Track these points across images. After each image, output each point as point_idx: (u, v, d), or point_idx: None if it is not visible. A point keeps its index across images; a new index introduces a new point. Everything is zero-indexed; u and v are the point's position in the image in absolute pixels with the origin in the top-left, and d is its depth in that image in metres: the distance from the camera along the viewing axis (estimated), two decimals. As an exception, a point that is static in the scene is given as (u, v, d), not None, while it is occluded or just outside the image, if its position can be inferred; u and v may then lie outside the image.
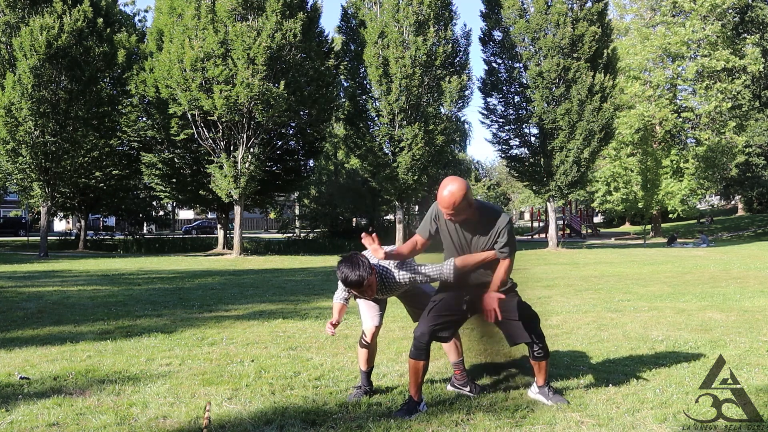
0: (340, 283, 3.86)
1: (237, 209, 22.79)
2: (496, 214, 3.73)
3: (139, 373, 4.52)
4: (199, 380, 4.33)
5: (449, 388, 4.13)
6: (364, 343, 4.05)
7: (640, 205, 34.98)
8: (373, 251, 3.69)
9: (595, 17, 24.57)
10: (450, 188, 3.50)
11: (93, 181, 26.64)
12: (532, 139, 27.05)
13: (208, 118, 21.34)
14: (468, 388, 4.06)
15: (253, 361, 4.95)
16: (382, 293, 3.89)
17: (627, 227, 53.07)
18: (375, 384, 4.23)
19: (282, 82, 20.42)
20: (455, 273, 3.72)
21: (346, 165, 36.39)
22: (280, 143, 26.14)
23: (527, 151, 27.25)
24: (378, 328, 4.06)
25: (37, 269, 15.35)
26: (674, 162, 36.85)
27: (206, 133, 22.10)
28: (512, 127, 27.14)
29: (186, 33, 20.74)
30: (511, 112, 26.97)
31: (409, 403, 3.65)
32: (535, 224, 49.63)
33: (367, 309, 4.07)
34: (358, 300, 4.07)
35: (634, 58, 36.69)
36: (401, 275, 3.79)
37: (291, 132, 26.34)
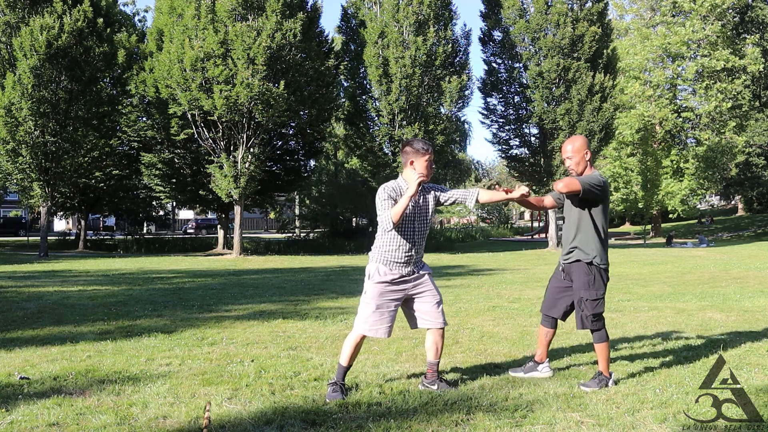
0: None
1: (237, 209, 22.79)
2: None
3: (139, 373, 4.52)
4: (199, 380, 4.33)
5: (420, 387, 4.15)
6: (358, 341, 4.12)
7: (640, 205, 34.99)
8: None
9: (595, 17, 24.58)
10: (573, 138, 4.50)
11: (93, 181, 26.64)
12: (532, 139, 27.06)
13: (208, 118, 21.34)
14: (435, 386, 4.11)
15: (253, 361, 4.95)
16: (419, 200, 4.16)
17: (627, 227, 53.04)
18: (376, 384, 4.23)
19: (282, 82, 20.41)
20: (476, 199, 4.23)
21: (346, 165, 36.39)
22: (280, 143, 26.14)
23: (527, 151, 27.27)
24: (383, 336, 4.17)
25: (37, 269, 15.34)
26: (674, 162, 36.85)
27: (206, 133, 22.10)
28: (512, 127, 27.14)
29: (186, 33, 20.74)
30: (511, 112, 26.99)
31: (528, 364, 4.53)
32: (535, 224, 49.68)
33: (379, 317, 4.08)
34: (374, 301, 4.09)
35: (634, 58, 36.69)
36: (434, 188, 4.24)
37: (291, 132, 26.33)
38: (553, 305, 4.44)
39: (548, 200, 4.59)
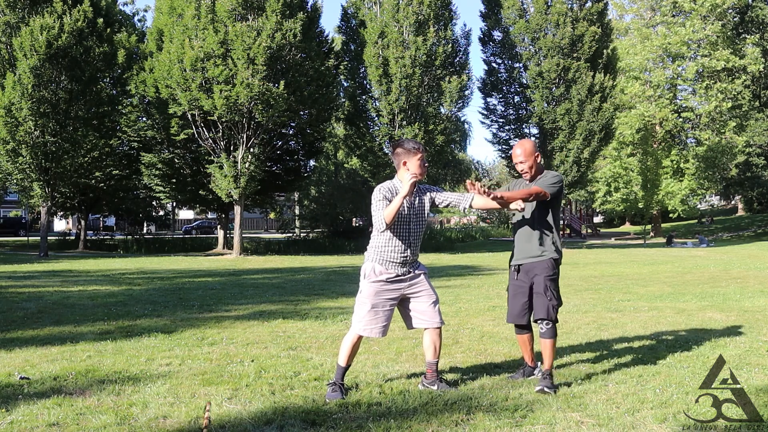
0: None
1: (237, 209, 22.79)
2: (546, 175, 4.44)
3: (139, 373, 4.52)
4: (199, 380, 4.33)
5: (420, 387, 4.15)
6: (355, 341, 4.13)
7: (640, 205, 35.00)
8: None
9: (595, 17, 24.60)
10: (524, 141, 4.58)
11: (93, 181, 26.63)
12: (532, 139, 27.08)
13: (208, 118, 21.34)
14: (435, 386, 4.10)
15: (253, 361, 4.95)
16: (415, 201, 4.15)
17: (627, 227, 53.06)
18: (376, 384, 4.23)
19: (282, 82, 20.41)
20: (470, 204, 4.21)
21: (346, 165, 36.39)
22: (280, 143, 26.15)
23: (527, 151, 27.28)
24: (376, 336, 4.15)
25: (37, 269, 15.34)
26: (674, 162, 36.88)
27: (206, 133, 22.10)
28: (512, 127, 27.16)
29: (186, 33, 20.74)
30: (511, 112, 27.01)
31: (525, 369, 4.49)
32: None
33: (374, 316, 4.07)
34: (369, 300, 4.09)
35: (634, 58, 36.72)
36: (430, 189, 4.23)
37: (291, 132, 26.34)
38: (516, 312, 4.38)
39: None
